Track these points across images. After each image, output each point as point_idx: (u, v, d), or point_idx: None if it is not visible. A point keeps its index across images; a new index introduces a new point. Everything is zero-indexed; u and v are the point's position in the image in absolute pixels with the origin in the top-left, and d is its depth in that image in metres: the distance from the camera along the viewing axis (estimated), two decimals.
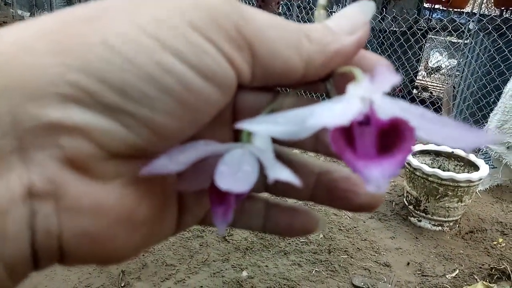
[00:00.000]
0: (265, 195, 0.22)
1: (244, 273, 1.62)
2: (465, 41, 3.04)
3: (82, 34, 0.14)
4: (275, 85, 0.19)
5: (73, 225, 0.14)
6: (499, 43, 2.65)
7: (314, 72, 0.17)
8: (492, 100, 2.68)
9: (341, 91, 0.16)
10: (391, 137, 0.14)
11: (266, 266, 1.66)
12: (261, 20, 0.16)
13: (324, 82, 0.18)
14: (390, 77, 0.14)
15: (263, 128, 0.15)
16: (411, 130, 0.13)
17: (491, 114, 2.25)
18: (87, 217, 0.14)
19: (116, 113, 0.14)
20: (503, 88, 2.24)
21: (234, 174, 0.15)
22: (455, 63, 3.93)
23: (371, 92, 0.14)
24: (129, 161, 0.15)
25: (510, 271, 1.69)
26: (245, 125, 0.15)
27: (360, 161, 0.13)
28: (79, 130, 0.13)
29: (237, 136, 0.19)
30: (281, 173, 0.15)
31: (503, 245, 1.90)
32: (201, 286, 1.53)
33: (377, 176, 0.13)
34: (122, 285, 1.52)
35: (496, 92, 2.52)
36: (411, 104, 0.14)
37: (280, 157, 0.20)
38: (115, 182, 0.15)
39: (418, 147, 2.01)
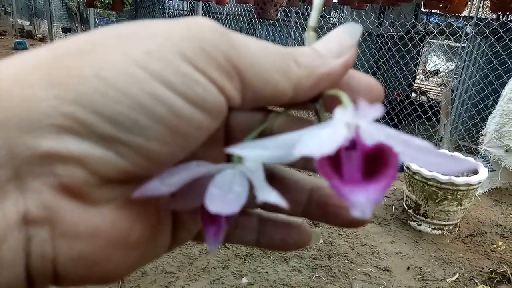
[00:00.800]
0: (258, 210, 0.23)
1: (244, 280, 1.61)
2: (463, 45, 3.05)
3: (76, 67, 0.14)
4: (264, 106, 0.19)
5: (68, 250, 0.14)
6: (497, 47, 2.66)
7: (303, 95, 0.17)
8: (490, 103, 2.69)
9: (330, 110, 0.17)
10: (376, 162, 0.14)
11: (266, 272, 1.66)
12: (250, 48, 0.16)
13: (313, 102, 0.18)
14: (375, 108, 0.14)
15: (253, 153, 0.15)
16: (395, 156, 0.14)
17: (489, 117, 2.25)
18: (82, 241, 0.14)
19: (110, 142, 0.14)
20: (501, 91, 2.25)
21: (224, 195, 0.16)
22: (453, 67, 3.94)
23: (357, 118, 0.15)
24: (122, 185, 0.16)
25: (510, 274, 1.68)
26: (235, 150, 0.15)
27: (345, 187, 0.14)
28: (74, 159, 0.14)
29: (230, 155, 0.20)
30: (269, 195, 0.15)
31: (503, 248, 1.90)
32: None
33: (362, 202, 0.13)
34: None
35: (494, 96, 2.52)
36: (396, 131, 0.15)
37: (273, 174, 0.21)
38: (109, 206, 0.15)
39: None
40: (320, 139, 0.14)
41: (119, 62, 0.14)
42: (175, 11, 5.65)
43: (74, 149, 0.14)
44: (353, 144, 0.14)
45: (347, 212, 0.20)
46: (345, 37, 0.19)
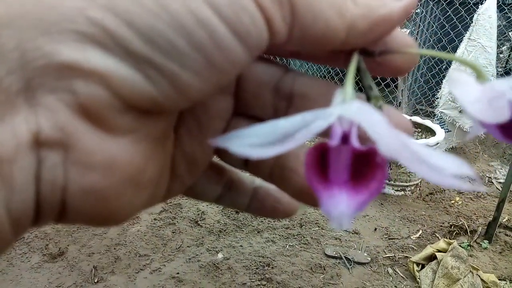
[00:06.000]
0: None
1: (220, 255, 1.63)
2: (417, 11, 3.13)
3: None
4: (309, 52, 0.17)
5: (81, 180, 0.13)
6: (448, 12, 2.75)
7: (355, 39, 0.15)
8: (444, 67, 2.80)
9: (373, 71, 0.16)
10: (365, 166, 0.13)
11: (241, 246, 1.68)
12: None
13: (359, 55, 0.16)
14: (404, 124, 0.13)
15: (237, 145, 0.13)
16: (383, 166, 0.13)
17: (444, 81, 2.35)
18: (97, 172, 0.13)
19: (140, 62, 0.12)
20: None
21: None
22: (407, 32, 4.04)
23: (359, 111, 0.13)
24: (143, 116, 0.14)
25: (467, 226, 1.81)
26: (219, 143, 0.13)
27: (325, 192, 0.13)
28: (97, 75, 0.12)
29: (237, 105, 0.18)
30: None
31: (459, 203, 2.04)
32: (178, 273, 1.53)
33: (339, 214, 0.12)
34: (96, 281, 1.49)
35: (448, 59, 2.63)
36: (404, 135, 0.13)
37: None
38: (127, 137, 0.14)
39: None
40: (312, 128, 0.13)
41: None
42: None
43: (98, 63, 0.12)
44: (346, 139, 0.13)
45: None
46: None
